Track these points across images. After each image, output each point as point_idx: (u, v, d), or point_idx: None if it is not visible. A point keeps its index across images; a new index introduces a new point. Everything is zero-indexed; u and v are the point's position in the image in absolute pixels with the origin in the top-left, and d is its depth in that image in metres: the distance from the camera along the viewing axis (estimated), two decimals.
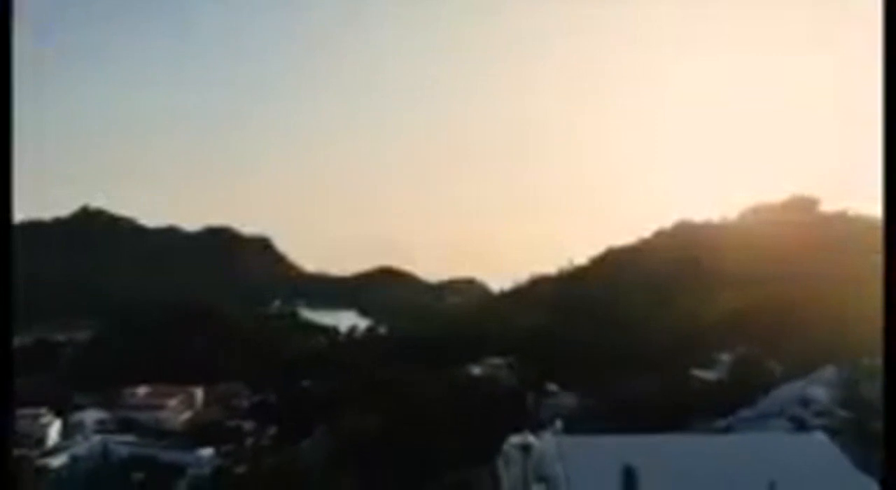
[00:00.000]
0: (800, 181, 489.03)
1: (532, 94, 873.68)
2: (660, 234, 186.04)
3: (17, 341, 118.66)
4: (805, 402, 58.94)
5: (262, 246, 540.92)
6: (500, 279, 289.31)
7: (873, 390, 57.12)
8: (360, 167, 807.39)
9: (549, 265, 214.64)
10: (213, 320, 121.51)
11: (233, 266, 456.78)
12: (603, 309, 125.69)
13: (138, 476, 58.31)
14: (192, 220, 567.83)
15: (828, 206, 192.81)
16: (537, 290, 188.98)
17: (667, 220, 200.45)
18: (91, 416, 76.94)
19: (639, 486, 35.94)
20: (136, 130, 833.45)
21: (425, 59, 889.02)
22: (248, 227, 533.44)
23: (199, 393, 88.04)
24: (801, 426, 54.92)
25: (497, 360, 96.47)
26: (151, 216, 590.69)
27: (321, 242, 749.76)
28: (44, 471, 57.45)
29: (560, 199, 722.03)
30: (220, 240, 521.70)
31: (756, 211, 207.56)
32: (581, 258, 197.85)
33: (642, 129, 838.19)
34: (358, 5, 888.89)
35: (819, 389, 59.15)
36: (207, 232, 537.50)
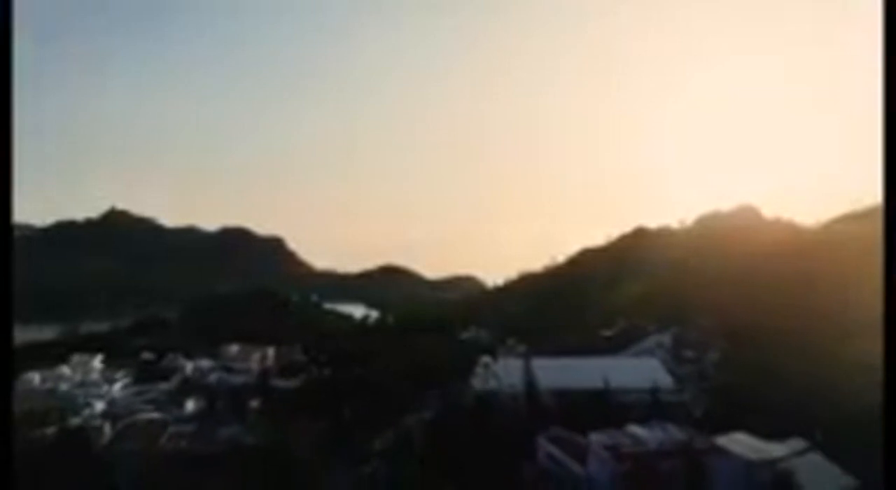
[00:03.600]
0: (784, 182, 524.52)
1: (530, 100, 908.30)
2: (623, 238, 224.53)
3: (131, 319, 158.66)
4: (660, 345, 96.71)
5: (275, 245, 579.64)
6: (495, 276, 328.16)
7: (693, 336, 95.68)
8: (362, 170, 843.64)
9: (538, 263, 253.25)
10: (269, 304, 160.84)
11: (249, 263, 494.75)
12: (566, 296, 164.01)
13: (253, 391, 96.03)
14: (208, 222, 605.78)
15: (768, 211, 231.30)
16: (524, 284, 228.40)
17: (627, 226, 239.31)
18: (203, 363, 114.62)
19: (534, 371, 76.66)
20: (149, 139, 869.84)
21: (431, 65, 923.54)
22: (261, 227, 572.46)
23: (270, 351, 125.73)
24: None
25: (480, 330, 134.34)
26: (172, 218, 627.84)
27: (328, 242, 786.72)
28: (197, 387, 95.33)
29: (553, 202, 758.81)
30: (235, 239, 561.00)
31: (711, 217, 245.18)
32: (561, 257, 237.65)
33: (638, 132, 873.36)
34: (361, 12, 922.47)
35: (668, 338, 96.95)
36: (222, 232, 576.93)
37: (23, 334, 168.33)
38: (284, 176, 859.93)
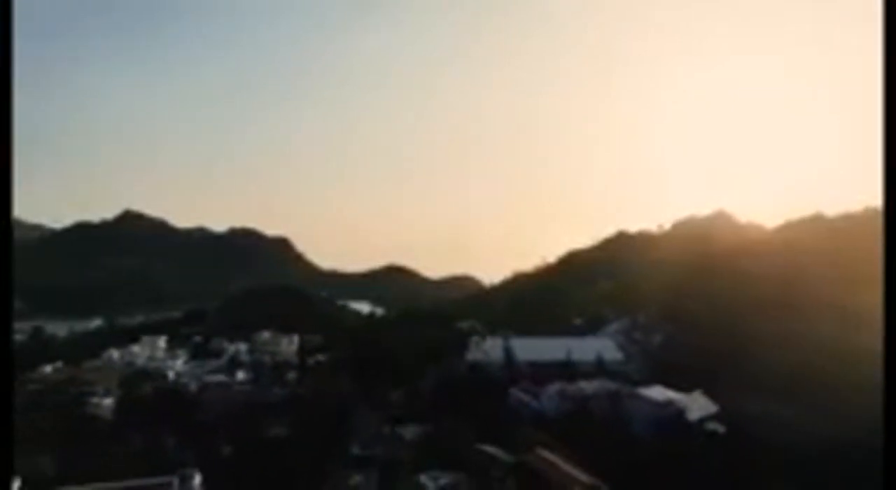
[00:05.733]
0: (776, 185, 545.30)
1: (531, 100, 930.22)
2: (606, 241, 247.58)
3: (177, 311, 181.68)
4: (618, 330, 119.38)
5: (282, 246, 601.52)
6: (492, 275, 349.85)
7: (643, 323, 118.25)
8: (363, 171, 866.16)
9: (529, 263, 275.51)
10: (290, 300, 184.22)
11: (258, 263, 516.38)
12: (551, 291, 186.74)
13: (290, 366, 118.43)
14: (218, 223, 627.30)
15: (741, 217, 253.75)
16: (517, 283, 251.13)
17: (608, 231, 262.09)
18: (241, 347, 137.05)
19: (513, 350, 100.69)
20: (149, 141, 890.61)
21: (432, 66, 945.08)
22: (269, 228, 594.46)
23: (296, 338, 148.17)
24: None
25: (475, 322, 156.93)
26: (182, 219, 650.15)
27: (332, 243, 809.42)
28: (244, 363, 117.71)
29: (546, 205, 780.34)
30: (243, 240, 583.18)
31: (686, 222, 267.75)
32: (551, 257, 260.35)
33: (636, 135, 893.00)
34: (360, 12, 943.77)
35: (624, 325, 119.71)
36: (232, 233, 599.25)
37: (82, 324, 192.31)
38: (286, 178, 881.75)
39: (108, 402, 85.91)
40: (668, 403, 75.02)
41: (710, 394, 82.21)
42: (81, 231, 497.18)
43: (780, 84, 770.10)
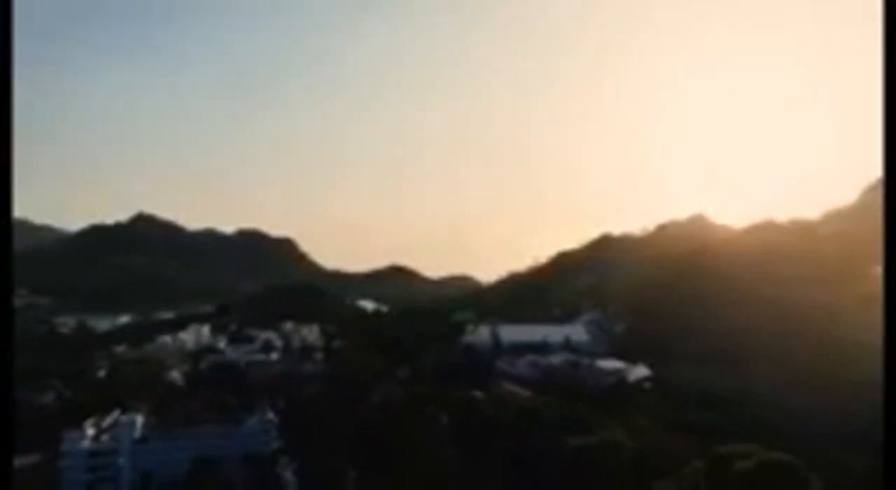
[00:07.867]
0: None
1: (528, 102, 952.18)
2: (592, 242, 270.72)
3: (212, 306, 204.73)
4: (589, 320, 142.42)
5: (287, 246, 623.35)
6: (488, 274, 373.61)
7: (611, 312, 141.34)
8: (364, 172, 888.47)
9: (523, 263, 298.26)
10: (306, 296, 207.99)
11: (265, 263, 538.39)
12: (539, 288, 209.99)
13: (313, 348, 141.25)
14: (225, 224, 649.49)
15: (718, 220, 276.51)
16: (511, 280, 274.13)
17: (594, 233, 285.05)
18: (271, 334, 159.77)
19: (499, 333, 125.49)
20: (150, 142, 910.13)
21: (433, 67, 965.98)
22: (273, 229, 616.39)
23: (315, 327, 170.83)
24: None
25: (471, 314, 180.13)
26: (190, 221, 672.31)
27: (337, 243, 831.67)
28: (276, 347, 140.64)
29: (545, 206, 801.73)
30: (250, 241, 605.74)
31: (668, 224, 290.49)
32: (543, 258, 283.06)
33: (636, 137, 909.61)
34: (357, 14, 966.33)
35: (596, 315, 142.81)
36: (238, 234, 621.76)
37: (112, 317, 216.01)
38: (287, 178, 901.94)
39: (176, 373, 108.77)
40: (615, 370, 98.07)
41: (651, 366, 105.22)
42: (97, 233, 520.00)
43: (780, 84, 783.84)
